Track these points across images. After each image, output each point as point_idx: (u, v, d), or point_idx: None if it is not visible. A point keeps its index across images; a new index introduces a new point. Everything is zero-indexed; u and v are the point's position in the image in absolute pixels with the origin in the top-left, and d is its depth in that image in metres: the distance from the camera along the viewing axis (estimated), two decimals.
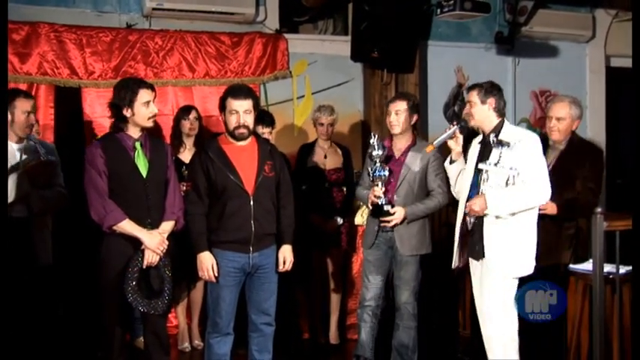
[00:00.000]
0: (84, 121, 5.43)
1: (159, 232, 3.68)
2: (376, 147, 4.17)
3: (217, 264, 3.71)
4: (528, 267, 3.71)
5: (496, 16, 6.75)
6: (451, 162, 4.02)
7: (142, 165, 3.69)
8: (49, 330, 3.98)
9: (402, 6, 5.84)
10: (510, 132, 3.79)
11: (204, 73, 5.73)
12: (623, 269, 3.87)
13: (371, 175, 4.21)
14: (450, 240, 4.13)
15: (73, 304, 4.93)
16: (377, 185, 4.18)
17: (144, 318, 3.80)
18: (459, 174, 3.98)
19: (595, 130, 7.05)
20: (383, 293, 4.43)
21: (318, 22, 6.83)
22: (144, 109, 3.67)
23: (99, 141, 3.86)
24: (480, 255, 3.76)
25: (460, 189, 3.95)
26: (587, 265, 3.95)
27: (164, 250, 3.67)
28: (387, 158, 4.27)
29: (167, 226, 3.74)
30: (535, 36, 6.94)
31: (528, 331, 3.78)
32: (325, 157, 5.08)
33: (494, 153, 3.73)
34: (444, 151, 4.18)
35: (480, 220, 3.76)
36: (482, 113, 3.82)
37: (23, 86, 5.06)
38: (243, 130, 3.74)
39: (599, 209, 3.78)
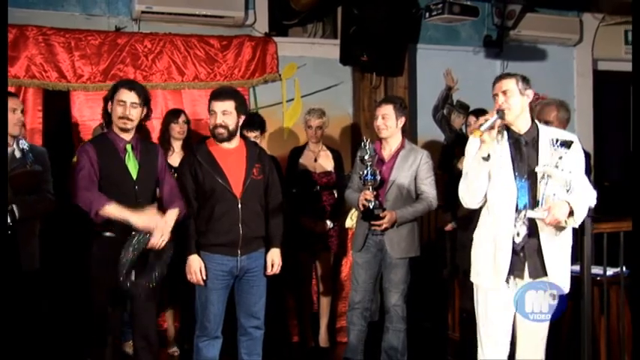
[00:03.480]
0: (72, 125, 5.42)
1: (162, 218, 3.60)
2: (367, 150, 4.18)
3: (205, 267, 3.71)
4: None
5: (485, 20, 6.80)
6: (484, 158, 3.30)
7: (132, 167, 3.67)
8: (33, 328, 3.94)
9: (391, 10, 5.87)
10: (556, 132, 3.42)
11: (194, 76, 5.74)
12: (610, 271, 3.91)
13: (362, 178, 4.22)
14: (439, 243, 4.12)
15: (58, 303, 4.88)
16: (368, 189, 4.19)
17: (133, 322, 3.78)
18: (486, 174, 3.35)
19: (582, 133, 7.09)
20: (372, 296, 4.44)
21: (308, 26, 6.85)
22: (118, 109, 3.65)
23: (91, 141, 3.86)
24: (539, 273, 3.31)
25: (495, 198, 3.36)
26: (575, 267, 3.98)
27: (167, 234, 3.59)
28: (377, 162, 4.29)
29: (172, 214, 3.65)
30: (523, 39, 7.00)
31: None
32: (315, 160, 5.09)
33: (549, 154, 3.28)
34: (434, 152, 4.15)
35: (533, 232, 3.31)
36: (521, 106, 3.31)
37: (11, 89, 5.01)
38: (221, 131, 3.72)
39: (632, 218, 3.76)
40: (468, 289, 3.89)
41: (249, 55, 5.90)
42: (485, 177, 3.35)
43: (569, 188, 3.26)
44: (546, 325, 3.43)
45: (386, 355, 4.38)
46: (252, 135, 4.76)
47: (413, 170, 4.28)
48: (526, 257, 3.32)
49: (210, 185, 3.71)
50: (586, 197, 3.32)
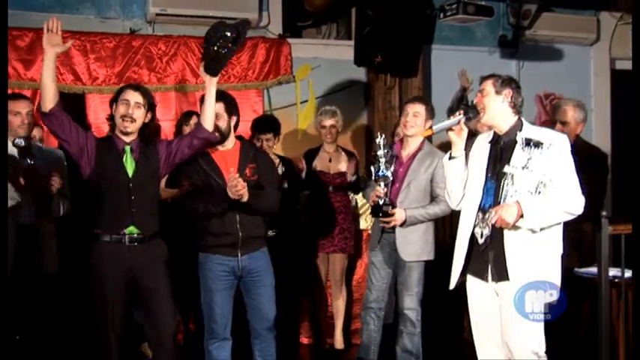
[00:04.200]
0: (88, 128, 5.45)
1: None
2: (382, 146, 4.18)
3: (206, 268, 3.77)
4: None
5: (500, 20, 6.77)
6: (450, 158, 3.48)
7: (129, 165, 3.62)
8: (34, 326, 3.96)
9: (405, 10, 5.86)
10: (536, 132, 3.33)
11: None
12: (628, 273, 3.88)
13: (374, 174, 4.22)
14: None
15: (58, 300, 4.91)
16: (379, 185, 4.19)
17: (150, 326, 3.69)
18: (456, 176, 3.47)
19: (600, 134, 7.05)
20: (386, 296, 4.43)
21: (322, 27, 6.86)
22: (121, 107, 3.60)
23: (97, 138, 3.81)
24: (501, 277, 3.25)
25: (466, 198, 3.45)
26: (593, 269, 3.95)
27: None
28: (394, 159, 4.27)
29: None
30: (539, 39, 6.95)
31: None
32: (330, 160, 5.10)
33: (520, 155, 3.25)
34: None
35: (497, 233, 3.26)
36: (495, 106, 3.34)
37: (28, 92, 5.08)
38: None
39: (604, 213, 3.77)
40: None
41: (263, 56, 5.91)
42: (457, 177, 3.44)
43: (541, 191, 3.19)
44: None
45: (401, 359, 4.37)
46: (265, 137, 4.78)
47: (429, 173, 4.26)
48: (489, 259, 3.29)
49: (208, 186, 3.74)
50: (556, 200, 3.18)
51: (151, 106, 3.69)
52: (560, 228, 3.31)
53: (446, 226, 5.52)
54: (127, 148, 3.64)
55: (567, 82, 6.97)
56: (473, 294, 3.45)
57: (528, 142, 3.25)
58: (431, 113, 4.30)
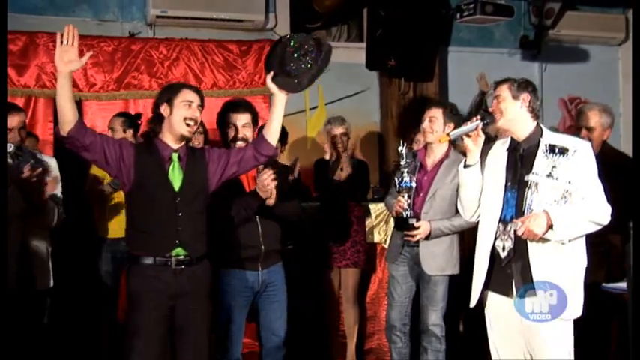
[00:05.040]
0: None
1: None
2: (405, 156, 4.18)
3: (226, 284, 3.76)
4: (581, 304, 3.28)
5: (520, 20, 6.77)
6: (466, 166, 3.47)
7: (176, 176, 3.36)
8: (33, 340, 3.98)
9: (420, 10, 5.87)
10: (558, 138, 3.32)
11: (212, 83, 5.78)
12: None
13: (397, 185, 4.21)
14: None
15: (65, 320, 4.94)
16: (403, 197, 4.19)
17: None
18: (471, 186, 3.46)
19: (629, 139, 7.00)
20: (409, 311, 4.42)
21: (332, 29, 6.87)
22: (183, 109, 3.35)
23: (136, 145, 3.57)
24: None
25: (484, 208, 3.43)
26: (622, 284, 3.93)
27: None
28: (417, 169, 4.28)
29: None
30: (563, 40, 6.95)
31: None
32: (341, 169, 5.11)
33: (544, 162, 3.23)
34: None
35: (521, 246, 3.24)
36: (513, 111, 3.31)
37: (21, 100, 5.13)
38: (241, 144, 3.77)
39: (632, 224, 3.74)
40: None
41: None
42: (473, 187, 3.44)
43: (567, 200, 3.17)
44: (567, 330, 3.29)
45: None
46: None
47: (455, 182, 4.21)
48: (513, 274, 3.27)
49: (231, 192, 3.74)
50: (584, 210, 3.16)
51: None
52: (584, 239, 3.28)
53: (468, 238, 5.50)
54: (175, 156, 3.38)
55: (593, 85, 6.95)
56: (493, 312, 3.42)
57: (552, 149, 3.22)
58: (449, 116, 4.27)
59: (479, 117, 3.39)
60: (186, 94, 3.38)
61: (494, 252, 3.32)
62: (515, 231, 3.21)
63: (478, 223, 3.51)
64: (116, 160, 3.28)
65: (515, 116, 3.33)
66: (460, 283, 4.44)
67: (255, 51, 5.88)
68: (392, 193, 4.47)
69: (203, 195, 3.42)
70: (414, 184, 4.17)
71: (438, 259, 4.24)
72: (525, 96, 3.33)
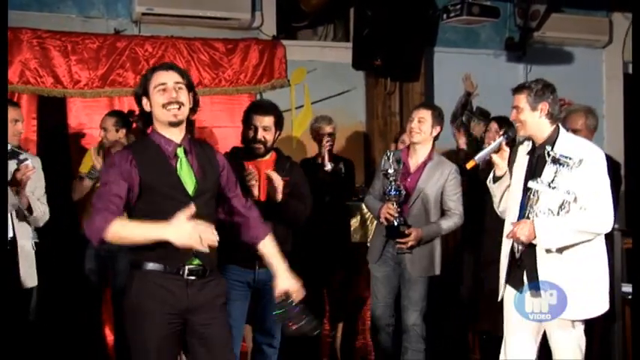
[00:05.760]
0: (69, 134, 5.45)
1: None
2: (391, 163, 4.18)
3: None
4: (596, 306, 3.38)
5: (506, 21, 6.79)
6: (495, 179, 3.59)
7: (188, 178, 2.96)
8: (19, 337, 3.96)
9: (407, 11, 5.88)
10: (569, 144, 3.39)
11: (197, 81, 5.73)
12: None
13: (386, 193, 4.22)
14: (457, 258, 4.10)
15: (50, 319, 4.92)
16: (392, 204, 4.20)
17: None
18: (505, 191, 3.57)
19: (612, 141, 7.07)
20: (392, 311, 4.43)
21: (318, 28, 6.86)
22: (158, 96, 2.94)
23: (129, 146, 3.18)
24: None
25: (507, 209, 3.55)
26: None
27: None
28: (402, 172, 4.28)
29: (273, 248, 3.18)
30: (548, 42, 6.98)
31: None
32: (327, 168, 5.10)
33: (548, 170, 3.32)
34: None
35: (531, 248, 3.38)
36: (533, 121, 3.41)
37: None
38: (259, 146, 3.76)
39: (616, 226, 3.76)
40: (490, 309, 3.88)
41: (256, 59, 5.91)
42: (499, 195, 3.58)
43: (566, 210, 3.27)
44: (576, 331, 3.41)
45: None
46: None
47: (440, 184, 4.28)
48: (523, 273, 3.41)
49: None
50: (577, 221, 3.26)
51: (191, 87, 3.04)
52: (601, 244, 3.37)
53: (448, 238, 5.52)
54: (180, 151, 2.98)
55: (578, 87, 6.95)
56: (508, 304, 3.54)
57: (555, 160, 3.30)
58: (438, 119, 4.31)
59: (501, 132, 3.55)
60: (158, 78, 2.96)
61: (513, 250, 3.45)
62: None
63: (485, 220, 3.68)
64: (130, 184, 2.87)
65: (534, 125, 3.42)
66: (441, 283, 4.48)
67: (241, 49, 5.87)
68: (372, 192, 4.49)
69: (214, 198, 3.07)
70: (403, 192, 4.19)
71: (423, 261, 4.28)
72: (544, 105, 3.41)
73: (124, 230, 2.78)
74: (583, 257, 3.33)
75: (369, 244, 4.70)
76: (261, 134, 3.77)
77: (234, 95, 5.77)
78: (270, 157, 3.88)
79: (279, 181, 3.67)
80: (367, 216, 5.27)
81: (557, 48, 7.08)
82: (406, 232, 4.18)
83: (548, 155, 3.32)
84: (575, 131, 4.25)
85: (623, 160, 6.42)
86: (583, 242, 3.30)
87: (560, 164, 3.28)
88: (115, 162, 2.90)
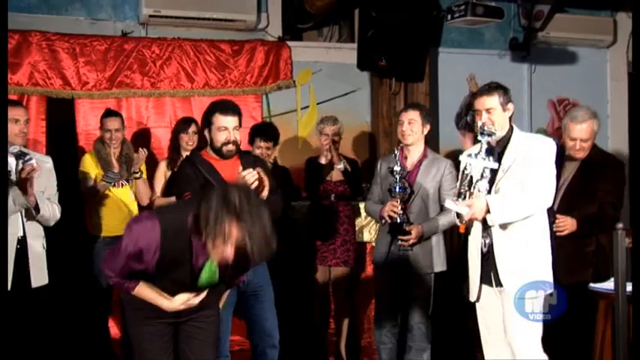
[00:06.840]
0: (77, 135, 5.48)
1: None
2: (398, 161, 4.23)
3: None
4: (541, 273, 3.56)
5: (510, 22, 6.80)
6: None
7: (208, 274, 2.99)
8: (30, 337, 3.99)
9: (411, 12, 5.89)
10: (522, 138, 3.64)
11: (204, 83, 5.78)
12: None
13: (391, 190, 4.26)
14: (460, 254, 4.11)
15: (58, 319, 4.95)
16: (396, 201, 4.23)
17: None
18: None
19: (617, 141, 7.07)
20: (397, 312, 4.45)
21: (323, 29, 6.89)
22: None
23: (160, 218, 2.87)
24: (498, 283, 3.57)
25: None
26: (609, 284, 3.96)
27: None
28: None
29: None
30: (552, 42, 6.98)
31: (554, 352, 3.78)
32: (334, 169, 5.13)
33: (505, 161, 3.59)
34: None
35: (493, 243, 3.58)
36: (501, 121, 3.62)
37: (13, 97, 5.11)
38: (231, 147, 3.70)
39: (620, 225, 3.77)
40: None
41: (261, 60, 5.93)
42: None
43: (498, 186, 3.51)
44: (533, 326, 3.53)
45: None
46: (264, 145, 4.81)
47: (437, 181, 4.32)
48: (490, 266, 3.59)
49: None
50: (521, 198, 3.48)
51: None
52: (544, 229, 3.60)
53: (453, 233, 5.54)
54: (210, 265, 2.97)
55: (582, 87, 7.00)
56: (482, 299, 3.71)
57: (489, 152, 3.53)
58: (427, 118, 4.38)
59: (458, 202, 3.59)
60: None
61: (481, 249, 3.63)
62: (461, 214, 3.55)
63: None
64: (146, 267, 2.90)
65: (501, 124, 3.62)
66: (448, 281, 4.50)
67: (247, 51, 5.88)
68: (371, 198, 4.51)
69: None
70: (408, 190, 4.23)
71: (427, 257, 4.31)
72: (511, 105, 3.65)
73: (146, 292, 2.98)
74: (530, 241, 3.54)
75: (374, 244, 4.72)
76: (233, 135, 3.71)
77: (240, 96, 5.78)
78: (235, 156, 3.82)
79: (253, 177, 3.51)
80: None
81: (561, 48, 7.08)
82: (407, 229, 4.21)
83: (506, 148, 3.58)
84: (584, 140, 4.22)
85: (628, 160, 6.44)
86: (530, 228, 3.52)
87: (487, 135, 3.51)
88: (142, 247, 2.82)
